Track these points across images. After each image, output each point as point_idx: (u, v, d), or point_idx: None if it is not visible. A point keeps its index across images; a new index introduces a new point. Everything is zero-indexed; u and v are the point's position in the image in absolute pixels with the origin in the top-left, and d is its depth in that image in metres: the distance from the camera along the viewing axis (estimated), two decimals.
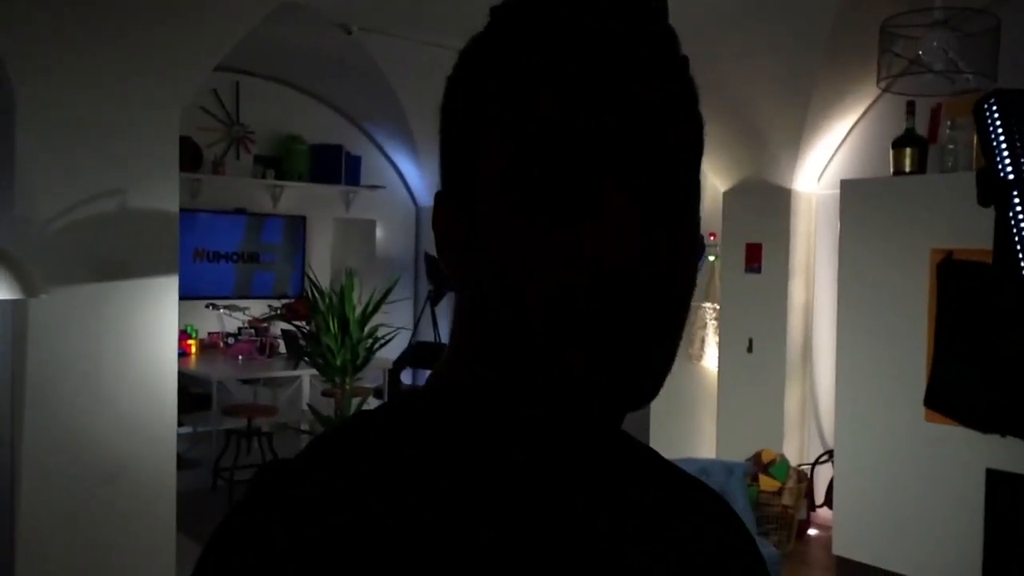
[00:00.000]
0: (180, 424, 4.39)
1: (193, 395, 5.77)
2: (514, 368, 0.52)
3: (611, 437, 0.58)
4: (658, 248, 0.48)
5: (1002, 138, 1.26)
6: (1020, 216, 1.22)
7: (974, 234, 3.37)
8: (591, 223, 0.47)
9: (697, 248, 0.52)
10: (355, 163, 7.12)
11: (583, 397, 0.49)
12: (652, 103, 0.49)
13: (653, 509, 0.60)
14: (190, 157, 6.15)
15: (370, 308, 4.16)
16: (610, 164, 0.47)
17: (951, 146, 3.99)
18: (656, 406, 5.88)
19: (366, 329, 4.16)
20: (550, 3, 0.51)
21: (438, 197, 0.56)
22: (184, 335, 6.18)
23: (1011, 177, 1.24)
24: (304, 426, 6.20)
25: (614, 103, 0.48)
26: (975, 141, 3.78)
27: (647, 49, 0.50)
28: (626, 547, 0.56)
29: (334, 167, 6.97)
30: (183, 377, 4.72)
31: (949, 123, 4.03)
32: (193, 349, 6.30)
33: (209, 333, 6.55)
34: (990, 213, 1.36)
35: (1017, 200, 1.23)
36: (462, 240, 0.53)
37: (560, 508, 0.54)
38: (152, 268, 3.15)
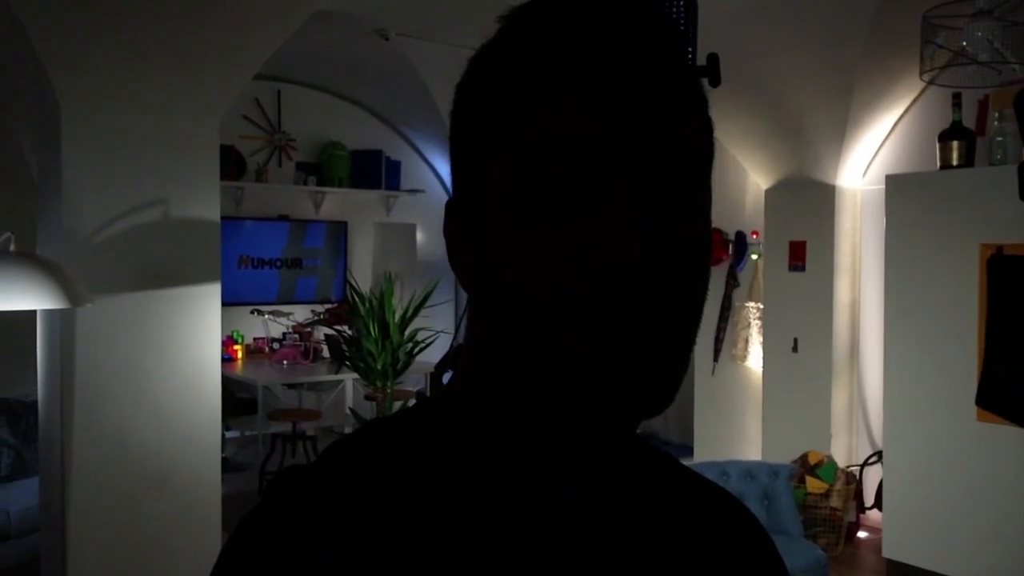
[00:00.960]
0: (227, 428, 4.47)
1: (239, 400, 5.86)
2: (517, 371, 0.51)
3: (624, 443, 0.57)
4: (660, 245, 0.47)
5: None
6: None
7: None
8: (591, 219, 0.47)
9: (706, 252, 0.51)
10: (395, 168, 7.18)
11: (583, 390, 0.48)
12: (653, 106, 0.49)
13: (664, 516, 0.59)
14: (234, 166, 6.26)
15: (409, 312, 4.18)
16: (611, 165, 0.47)
17: (999, 138, 3.88)
18: (700, 407, 5.83)
19: (406, 333, 4.18)
20: (556, 9, 0.51)
21: (448, 205, 0.57)
22: (230, 341, 6.29)
23: None
24: (347, 430, 6.27)
25: (616, 106, 0.48)
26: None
27: (651, 53, 0.50)
28: (636, 556, 0.56)
29: (374, 172, 7.04)
30: (229, 382, 4.81)
31: (997, 115, 3.92)
32: (239, 354, 6.41)
33: (255, 338, 6.65)
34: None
35: None
36: (471, 248, 0.53)
37: (569, 515, 0.54)
38: (195, 276, 3.20)
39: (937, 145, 4.12)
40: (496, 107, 0.51)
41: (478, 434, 0.55)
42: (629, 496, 0.57)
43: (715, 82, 1.28)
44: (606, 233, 0.47)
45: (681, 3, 1.67)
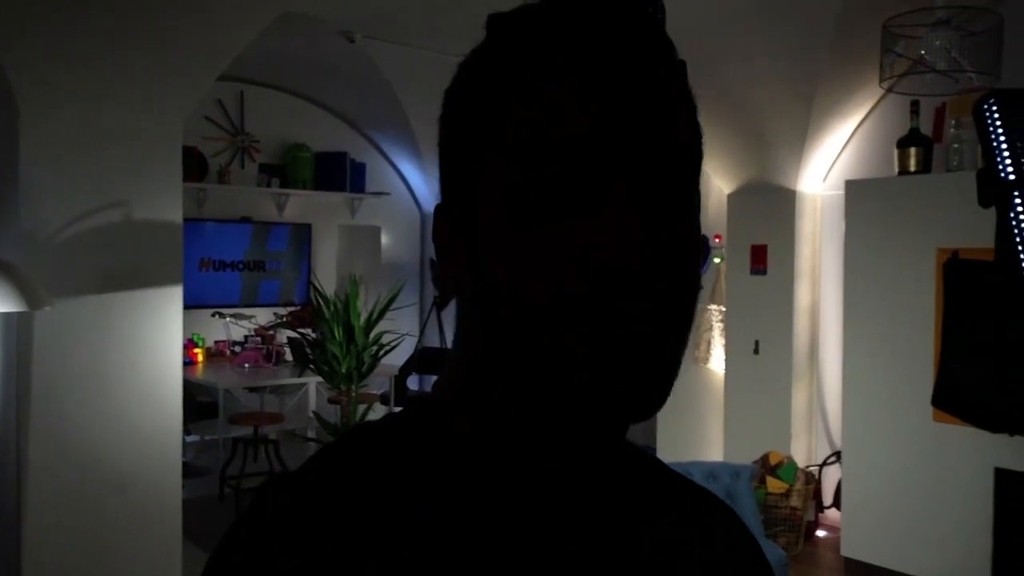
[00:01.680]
0: (187, 432, 4.41)
1: (200, 403, 5.79)
2: (514, 373, 0.51)
3: (614, 447, 0.57)
4: (659, 245, 0.48)
5: (1002, 139, 1.26)
6: (1022, 217, 1.21)
7: (980, 233, 3.34)
8: (591, 220, 0.47)
9: (699, 252, 0.52)
10: (359, 170, 7.14)
11: (584, 391, 0.48)
12: (652, 107, 0.49)
13: (657, 518, 0.60)
14: (196, 167, 6.18)
15: (375, 315, 4.16)
16: (611, 165, 0.48)
17: (956, 145, 3.97)
18: (663, 408, 5.90)
19: (371, 336, 4.16)
20: (549, 12, 0.51)
21: (438, 209, 0.56)
22: (191, 344, 6.20)
23: (1012, 178, 1.24)
24: (311, 433, 6.21)
25: (615, 106, 0.48)
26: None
27: (647, 55, 0.50)
28: (632, 557, 0.56)
29: (339, 174, 7.00)
30: (190, 386, 4.74)
31: (953, 122, 4.02)
32: (200, 358, 6.32)
33: (216, 341, 6.57)
34: (984, 208, 1.35)
35: (1018, 201, 1.23)
36: (464, 250, 0.53)
37: (563, 519, 0.54)
38: (156, 278, 3.16)
39: (895, 151, 4.20)
40: (490, 109, 0.51)
41: (472, 436, 0.54)
42: (621, 497, 0.57)
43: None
44: (607, 233, 0.47)
45: (649, 10, 1.69)
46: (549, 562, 0.53)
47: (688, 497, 0.64)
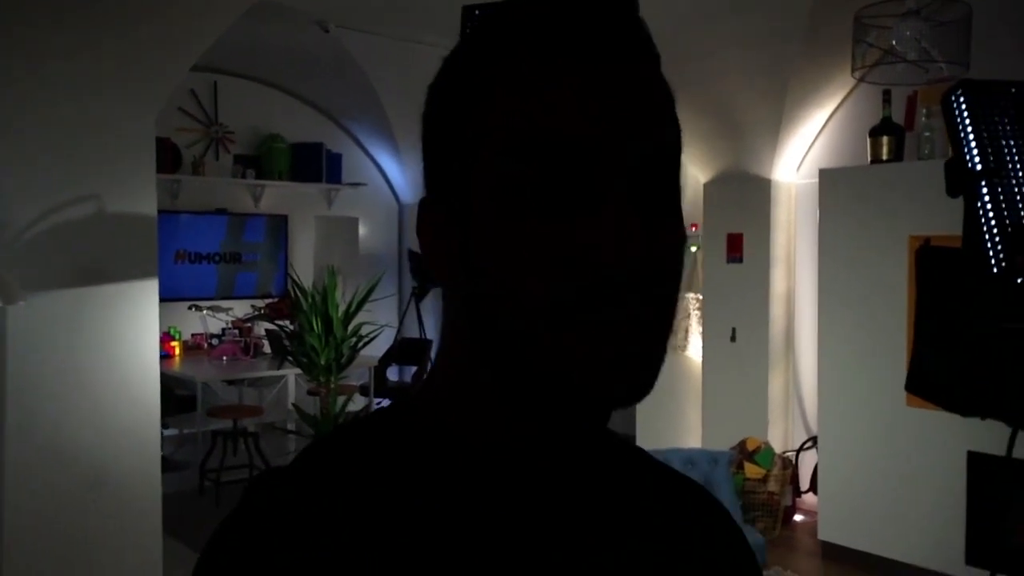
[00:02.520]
0: (165, 426, 4.40)
1: (178, 397, 5.75)
2: (509, 370, 0.51)
3: (601, 439, 0.58)
4: (656, 246, 0.49)
5: (969, 129, 1.28)
6: (988, 206, 1.24)
7: (952, 220, 3.37)
8: (590, 219, 0.48)
9: (684, 243, 0.53)
10: (336, 161, 7.11)
11: (583, 391, 0.49)
12: (647, 108, 0.50)
13: (644, 507, 0.60)
14: (169, 158, 6.12)
15: (353, 306, 4.16)
16: (610, 166, 0.48)
17: (927, 134, 4.02)
18: None
19: (350, 327, 4.16)
20: (542, 8, 0.51)
21: (424, 204, 0.56)
22: (167, 337, 6.16)
23: (979, 168, 1.26)
24: (290, 426, 6.20)
25: (614, 108, 0.49)
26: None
27: (639, 55, 0.51)
28: (619, 546, 0.57)
29: (315, 165, 6.96)
30: (167, 379, 4.71)
31: (924, 111, 4.06)
32: (177, 351, 6.28)
33: (193, 334, 6.53)
34: (952, 198, 1.38)
35: (985, 190, 1.25)
36: (456, 246, 0.52)
37: (554, 510, 0.55)
38: (131, 272, 3.14)
39: (868, 140, 4.24)
40: (484, 104, 0.51)
41: (462, 430, 0.55)
42: (609, 489, 0.58)
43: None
44: (607, 234, 0.47)
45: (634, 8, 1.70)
46: (542, 554, 0.53)
47: (672, 487, 0.65)
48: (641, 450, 0.66)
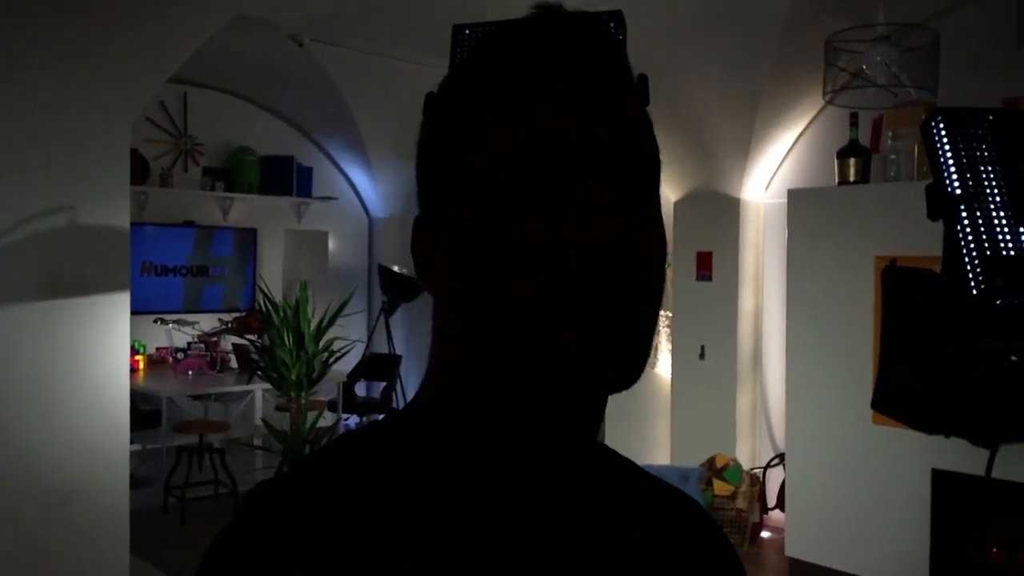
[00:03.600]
0: (130, 442, 4.30)
1: (142, 412, 5.65)
2: (504, 371, 0.53)
3: (592, 447, 0.59)
4: (640, 239, 0.51)
5: (949, 154, 1.32)
6: (968, 230, 1.27)
7: (917, 241, 3.46)
8: (575, 213, 0.50)
9: (666, 248, 0.56)
10: (306, 174, 7.07)
11: (573, 380, 0.51)
12: (627, 114, 0.53)
13: (636, 518, 0.62)
14: (137, 170, 6.04)
15: (325, 321, 4.13)
16: (594, 164, 0.51)
17: (893, 156, 4.11)
18: (611, 412, 5.96)
19: (321, 342, 4.13)
20: (526, 26, 0.54)
21: (418, 222, 0.58)
22: (132, 351, 6.05)
23: (958, 192, 1.29)
24: (257, 441, 6.12)
25: (597, 109, 0.52)
26: (916, 151, 3.90)
27: (614, 64, 0.54)
28: (611, 551, 0.58)
29: (285, 179, 6.91)
30: (132, 394, 4.63)
31: (890, 134, 4.15)
32: (141, 365, 6.18)
33: (158, 348, 6.44)
34: (932, 221, 1.42)
35: (964, 214, 1.29)
36: (450, 254, 0.54)
37: (548, 518, 0.56)
38: (103, 284, 3.09)
39: (835, 162, 4.32)
40: (472, 110, 0.53)
41: (459, 439, 0.55)
42: (602, 498, 0.59)
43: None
44: (595, 228, 0.50)
45: (611, 24, 1.73)
46: (536, 561, 0.54)
47: (664, 498, 0.67)
48: (630, 461, 0.67)
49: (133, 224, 4.93)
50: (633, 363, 0.52)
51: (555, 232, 0.50)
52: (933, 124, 1.32)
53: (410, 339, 7.34)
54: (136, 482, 5.47)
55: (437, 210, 0.56)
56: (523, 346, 0.51)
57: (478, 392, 0.55)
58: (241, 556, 0.50)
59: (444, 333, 0.58)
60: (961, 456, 3.73)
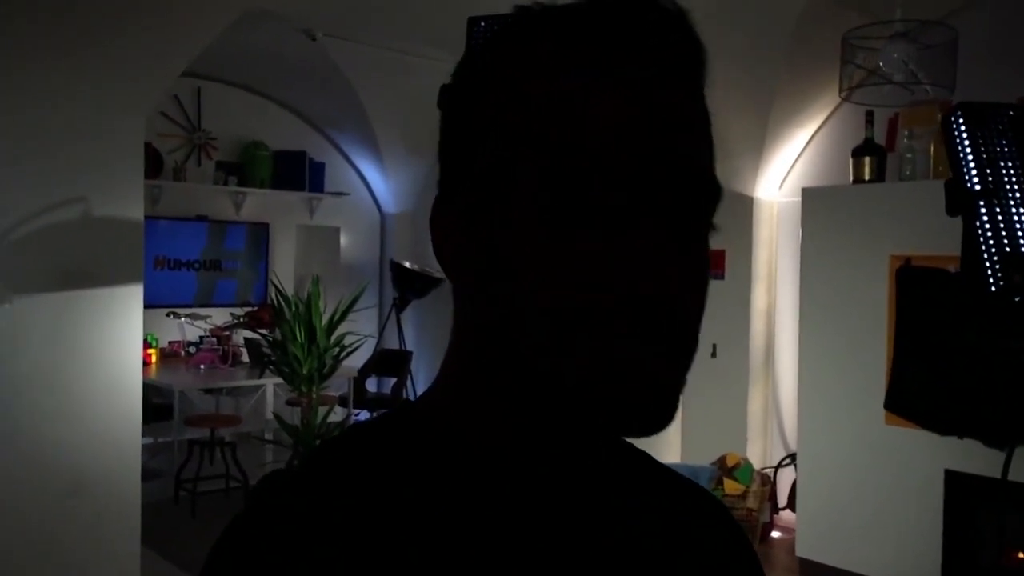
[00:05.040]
0: (142, 435, 4.33)
1: (154, 405, 5.68)
2: (527, 377, 0.51)
3: (611, 442, 0.59)
4: (693, 277, 0.49)
5: (968, 150, 1.30)
6: (987, 226, 1.26)
7: (932, 240, 3.45)
8: (631, 241, 0.48)
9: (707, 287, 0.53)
10: (319, 169, 7.08)
11: (611, 416, 0.49)
12: (693, 134, 0.50)
13: (651, 510, 0.61)
14: (151, 164, 6.06)
15: (337, 316, 4.14)
16: (651, 192, 0.48)
17: (908, 155, 4.07)
18: None
19: (333, 337, 4.14)
20: (592, 20, 0.50)
21: (440, 204, 0.54)
22: (144, 344, 6.08)
23: (977, 188, 1.28)
24: (268, 435, 6.14)
25: (662, 132, 0.49)
26: (932, 150, 3.87)
27: (696, 81, 0.51)
28: (625, 550, 0.57)
29: (297, 174, 6.92)
30: (144, 387, 4.66)
31: (907, 132, 4.12)
32: (154, 358, 6.21)
33: (170, 342, 6.46)
34: (948, 220, 1.40)
35: (984, 210, 1.27)
36: (483, 249, 0.51)
37: (561, 515, 0.55)
38: (116, 277, 3.11)
39: (850, 160, 4.29)
40: (529, 113, 0.50)
41: (472, 437, 0.54)
42: (616, 491, 0.59)
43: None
44: (646, 257, 0.48)
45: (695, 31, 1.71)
46: (547, 558, 0.53)
47: (678, 490, 0.66)
48: (649, 455, 0.66)
49: (146, 218, 4.95)
50: (663, 413, 0.49)
51: (605, 254, 0.47)
52: (953, 119, 1.31)
53: (421, 335, 7.34)
54: (148, 475, 5.49)
55: (470, 197, 0.52)
56: (563, 367, 0.49)
57: (496, 392, 0.54)
58: (249, 550, 0.50)
59: (463, 327, 0.56)
60: (974, 457, 3.70)
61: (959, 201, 1.29)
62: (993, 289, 1.27)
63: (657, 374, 0.49)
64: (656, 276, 0.47)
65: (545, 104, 0.49)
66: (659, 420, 0.49)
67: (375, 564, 0.49)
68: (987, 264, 1.26)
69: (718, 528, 0.66)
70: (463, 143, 0.53)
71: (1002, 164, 1.28)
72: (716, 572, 0.62)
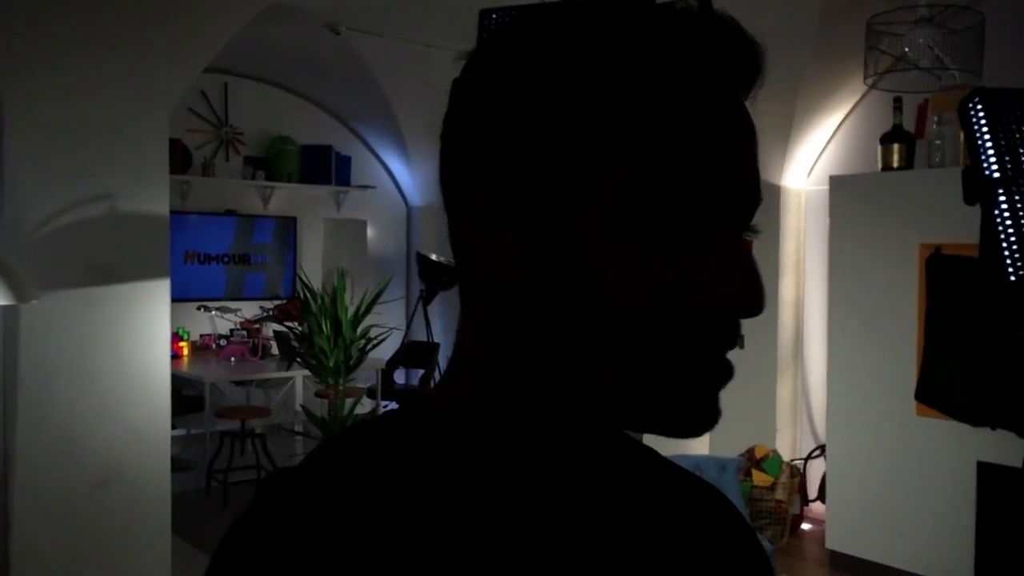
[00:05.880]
0: (173, 426, 4.42)
1: (186, 397, 5.76)
2: (572, 385, 0.51)
3: (616, 440, 0.58)
4: (758, 295, 0.50)
5: (987, 136, 1.28)
6: (1005, 214, 1.23)
7: (962, 229, 3.38)
8: (705, 255, 0.48)
9: None
10: (345, 163, 7.12)
11: (669, 425, 0.50)
12: (753, 146, 0.51)
13: (659, 507, 0.61)
14: (179, 159, 6.14)
15: (362, 309, 4.16)
16: (725, 201, 0.49)
17: (938, 141, 4.01)
18: None
19: (359, 330, 4.16)
20: (669, 30, 0.50)
21: (485, 191, 0.52)
22: (176, 337, 6.17)
23: (996, 175, 1.25)
24: (297, 427, 6.21)
25: (733, 142, 0.50)
26: (962, 137, 3.81)
27: (750, 93, 0.52)
28: (635, 546, 0.57)
29: (324, 168, 6.96)
30: (175, 379, 4.73)
31: (936, 119, 4.05)
32: (185, 351, 6.29)
33: (201, 335, 6.54)
34: (978, 208, 1.38)
35: (1002, 198, 1.25)
36: (538, 260, 0.50)
37: (571, 515, 0.55)
38: (143, 271, 3.15)
39: (879, 147, 4.23)
40: (605, 122, 0.49)
41: (484, 437, 0.54)
42: (626, 492, 0.59)
43: None
44: (732, 272, 0.48)
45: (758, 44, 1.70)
46: (557, 560, 0.53)
47: (688, 489, 0.65)
48: (654, 451, 0.66)
49: (176, 213, 5.02)
50: (718, 411, 0.51)
51: (679, 268, 0.48)
52: (971, 106, 1.28)
53: (448, 327, 7.36)
54: (180, 466, 5.59)
55: (524, 202, 0.51)
56: (625, 377, 0.49)
57: (519, 397, 0.53)
58: (252, 550, 0.50)
59: (495, 325, 0.54)
60: (1007, 448, 3.64)
61: (977, 189, 1.27)
62: (1012, 278, 1.24)
63: (716, 383, 0.50)
64: (734, 287, 0.48)
65: (622, 113, 0.49)
66: (711, 426, 0.51)
67: (382, 567, 0.49)
68: (1006, 253, 1.23)
69: (726, 522, 0.65)
70: (524, 139, 0.51)
71: (1021, 151, 1.26)
72: (730, 568, 0.62)
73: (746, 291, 0.48)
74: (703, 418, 0.50)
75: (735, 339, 0.50)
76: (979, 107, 1.27)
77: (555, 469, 0.55)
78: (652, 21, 0.50)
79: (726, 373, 0.51)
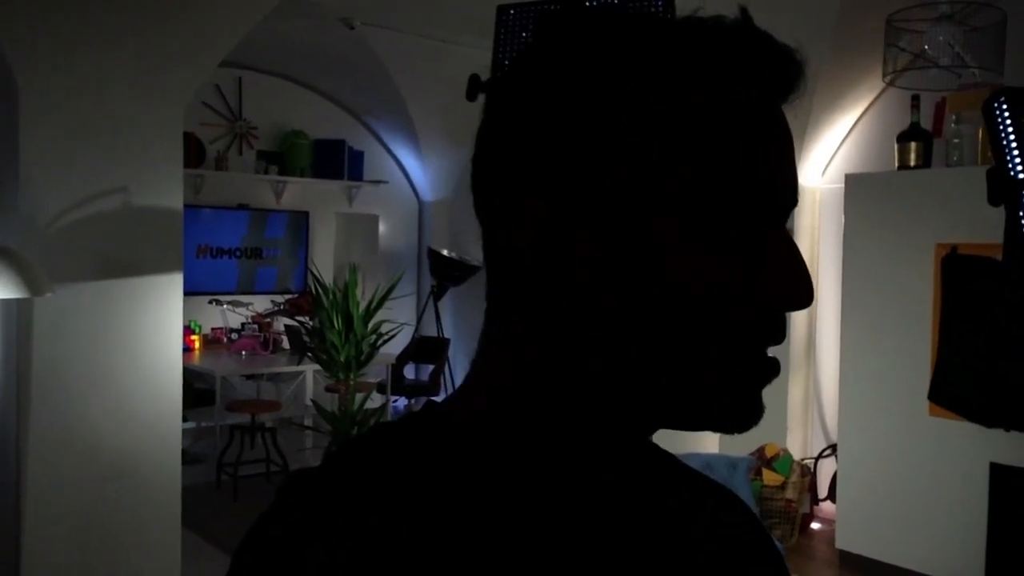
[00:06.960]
0: (184, 419, 4.45)
1: (197, 390, 5.79)
2: (612, 392, 0.51)
3: (632, 445, 0.58)
4: (810, 291, 0.52)
5: (1012, 137, 1.26)
6: None
7: (979, 228, 3.36)
8: (768, 260, 0.50)
9: None
10: (357, 158, 7.13)
11: (716, 417, 0.52)
12: (792, 156, 0.54)
13: (676, 511, 0.61)
14: (193, 153, 6.16)
15: (374, 304, 4.16)
16: (779, 206, 0.51)
17: (956, 140, 3.97)
18: None
19: (370, 325, 4.16)
20: (723, 42, 0.52)
21: (540, 194, 0.52)
22: (187, 331, 6.20)
23: (1021, 176, 1.24)
24: (308, 421, 6.22)
25: (784, 151, 0.52)
26: (980, 135, 3.77)
27: (791, 100, 0.54)
28: (653, 550, 0.57)
29: (337, 162, 6.98)
30: (186, 372, 4.74)
31: (954, 117, 4.01)
32: (196, 344, 6.32)
33: (212, 328, 6.57)
34: (996, 208, 1.36)
35: None
36: (597, 258, 0.50)
37: (591, 523, 0.54)
38: (156, 265, 3.15)
39: (895, 146, 4.20)
40: (667, 131, 0.50)
41: (508, 445, 0.54)
42: (644, 498, 0.58)
43: (470, 97, 1.36)
44: (787, 273, 0.50)
45: (660, 3, 1.69)
46: (576, 564, 0.53)
47: (703, 491, 0.65)
48: (670, 455, 0.66)
49: (189, 207, 5.03)
50: (762, 406, 0.53)
51: (746, 278, 0.50)
52: (996, 104, 1.26)
53: (459, 323, 7.37)
54: (190, 459, 5.61)
55: (576, 201, 0.51)
56: (668, 375, 0.50)
57: (549, 406, 0.53)
58: (272, 552, 0.50)
59: (531, 329, 0.54)
60: (1021, 450, 3.62)
61: (1002, 190, 1.25)
62: None
63: (765, 378, 0.52)
64: (791, 284, 0.50)
65: (684, 124, 0.50)
66: (756, 421, 0.52)
67: (400, 568, 0.48)
68: None
69: (741, 525, 0.65)
70: (581, 143, 0.51)
71: None
72: (746, 570, 0.62)
73: (801, 287, 0.50)
74: (750, 414, 0.52)
75: (783, 334, 0.51)
76: (1005, 107, 1.26)
77: (580, 473, 0.54)
78: (711, 37, 0.53)
79: (774, 368, 0.52)
